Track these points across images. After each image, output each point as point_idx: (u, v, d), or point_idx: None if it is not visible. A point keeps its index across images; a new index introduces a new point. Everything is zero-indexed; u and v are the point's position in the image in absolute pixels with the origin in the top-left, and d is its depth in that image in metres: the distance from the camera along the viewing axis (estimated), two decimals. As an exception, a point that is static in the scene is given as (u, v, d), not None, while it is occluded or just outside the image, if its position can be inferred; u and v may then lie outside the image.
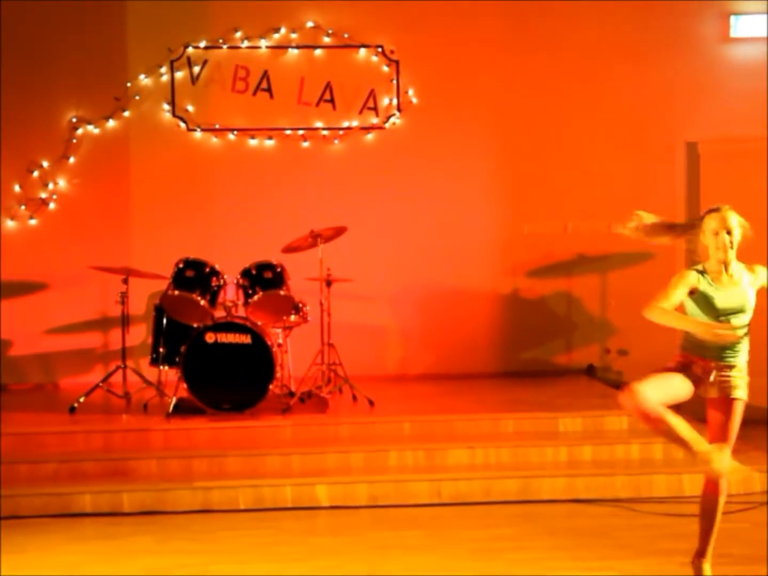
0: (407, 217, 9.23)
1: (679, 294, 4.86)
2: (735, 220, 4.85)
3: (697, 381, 4.86)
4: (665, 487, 6.77)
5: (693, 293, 4.84)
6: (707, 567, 4.94)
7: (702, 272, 4.87)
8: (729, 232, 4.82)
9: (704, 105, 9.26)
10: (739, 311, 4.79)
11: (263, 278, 7.76)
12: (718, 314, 4.79)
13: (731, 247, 4.81)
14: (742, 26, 9.18)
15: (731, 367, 4.85)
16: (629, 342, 9.14)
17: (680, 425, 4.77)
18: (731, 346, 4.81)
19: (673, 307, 4.85)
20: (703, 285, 4.83)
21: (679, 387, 4.86)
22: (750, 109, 9.21)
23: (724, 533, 5.81)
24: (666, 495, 6.71)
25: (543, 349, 9.36)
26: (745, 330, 4.84)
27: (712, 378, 4.84)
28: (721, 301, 4.80)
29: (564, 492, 6.74)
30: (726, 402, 4.87)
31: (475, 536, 6.03)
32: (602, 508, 6.57)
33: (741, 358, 4.87)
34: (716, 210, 4.89)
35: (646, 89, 9.23)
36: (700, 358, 4.85)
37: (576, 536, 6.00)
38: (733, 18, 9.17)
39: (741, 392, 4.87)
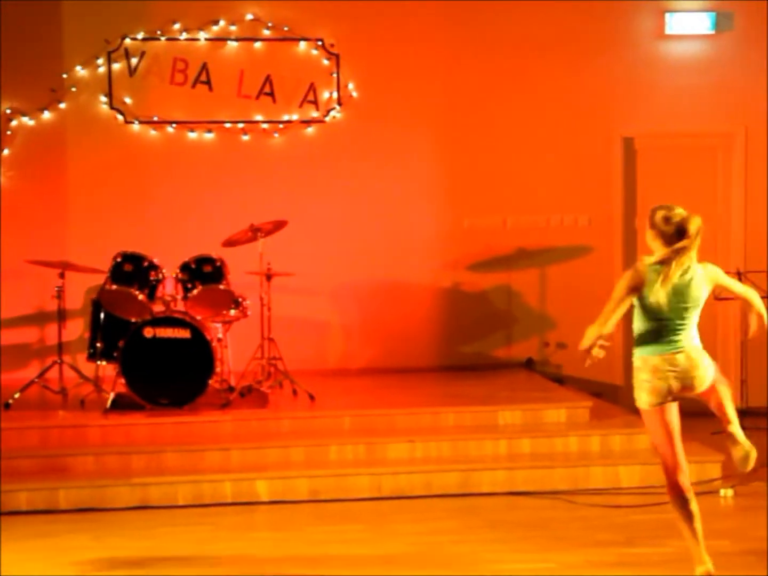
0: (348, 211, 9.23)
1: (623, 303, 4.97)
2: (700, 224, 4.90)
3: None
4: (602, 479, 6.84)
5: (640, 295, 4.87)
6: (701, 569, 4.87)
7: (648, 267, 4.89)
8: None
9: (640, 101, 9.37)
10: (684, 303, 4.83)
11: (202, 272, 7.71)
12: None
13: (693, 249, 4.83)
14: (677, 23, 9.29)
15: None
16: (568, 335, 9.21)
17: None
18: (685, 339, 4.82)
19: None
20: (650, 280, 4.84)
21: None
22: (685, 105, 9.35)
23: (661, 523, 5.91)
24: (603, 487, 6.78)
25: (483, 343, 9.41)
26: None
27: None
28: (664, 297, 4.83)
29: (503, 485, 6.79)
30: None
31: (416, 530, 6.05)
32: (541, 500, 6.62)
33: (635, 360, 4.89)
34: (667, 208, 4.99)
35: (583, 85, 9.32)
36: None
37: (515, 528, 6.04)
38: (668, 15, 9.28)
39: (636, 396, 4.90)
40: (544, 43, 9.26)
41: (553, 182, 9.35)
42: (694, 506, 4.81)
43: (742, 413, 8.61)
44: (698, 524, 4.81)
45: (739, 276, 8.42)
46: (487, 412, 7.49)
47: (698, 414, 8.45)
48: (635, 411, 7.90)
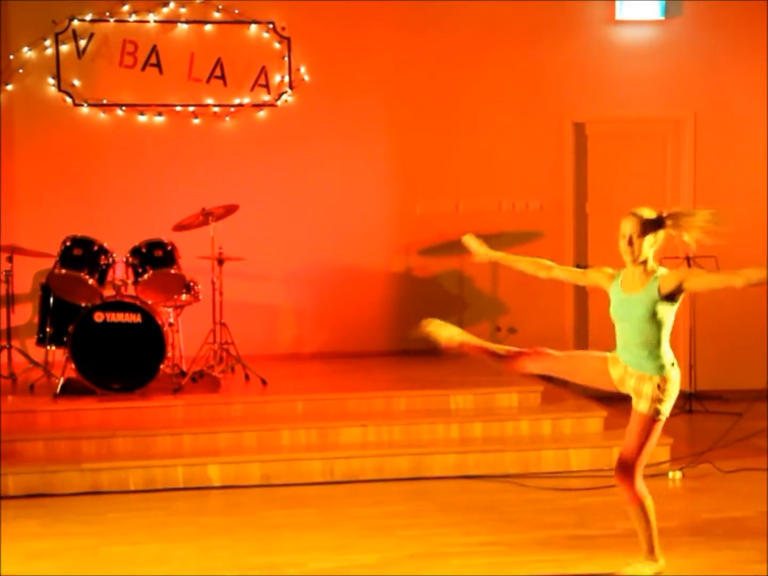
0: (300, 196, 9.20)
1: (569, 271, 5.03)
2: (634, 227, 4.62)
3: (621, 381, 4.77)
4: (553, 463, 6.91)
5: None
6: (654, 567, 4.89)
7: (616, 276, 4.79)
8: (630, 240, 4.63)
9: (591, 86, 9.42)
10: (629, 320, 4.68)
11: (153, 257, 7.66)
12: (619, 321, 4.74)
13: (630, 254, 4.63)
14: (627, 9, 9.35)
15: (646, 380, 4.67)
16: (519, 320, 9.29)
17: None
18: (642, 357, 4.66)
19: (551, 270, 4.99)
20: (613, 288, 4.77)
21: (586, 364, 4.92)
22: (636, 91, 9.42)
23: (611, 506, 5.98)
24: (554, 470, 6.85)
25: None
26: (651, 345, 4.66)
27: (632, 383, 4.71)
28: (615, 308, 4.75)
29: (455, 468, 6.83)
30: (635, 414, 4.73)
31: (368, 513, 6.07)
32: (492, 483, 6.67)
33: (660, 372, 4.67)
34: (630, 215, 4.68)
35: (534, 70, 9.35)
36: (622, 360, 4.76)
37: (466, 512, 6.08)
38: (618, 1, 9.33)
39: (652, 409, 4.67)
40: (496, 27, 9.28)
41: (504, 167, 9.38)
42: (649, 502, 4.84)
43: (690, 397, 8.78)
44: (653, 517, 4.84)
45: (688, 261, 8.52)
46: (438, 397, 7.52)
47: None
48: (585, 395, 8.04)
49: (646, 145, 9.54)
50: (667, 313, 4.67)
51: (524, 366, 5.00)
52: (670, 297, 4.64)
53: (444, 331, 5.11)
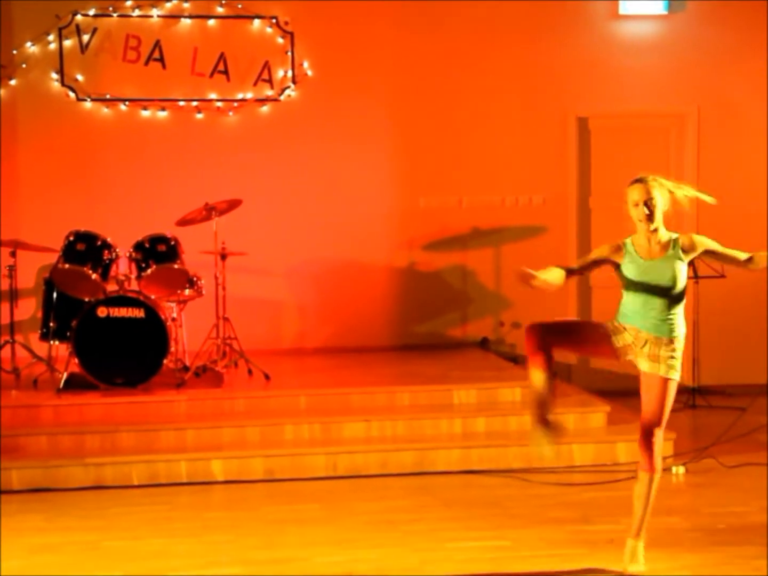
0: (303, 190, 9.19)
1: (587, 262, 4.94)
2: (655, 190, 4.75)
3: (626, 349, 4.82)
4: (556, 458, 6.87)
5: (618, 267, 4.82)
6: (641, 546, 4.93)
7: (624, 245, 4.81)
8: (647, 203, 4.72)
9: (595, 81, 9.41)
10: (661, 283, 4.73)
11: (157, 251, 7.65)
12: (640, 288, 4.76)
13: (651, 219, 4.72)
14: (630, 4, 9.33)
15: (663, 343, 4.76)
16: (522, 315, 9.25)
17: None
18: (663, 320, 4.75)
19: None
20: (627, 258, 4.78)
21: (586, 336, 4.88)
22: (639, 86, 9.40)
23: (614, 501, 5.99)
24: (557, 465, 6.83)
25: (438, 322, 9.44)
26: (674, 306, 4.76)
27: (646, 350, 4.78)
28: (635, 274, 4.77)
29: (458, 463, 6.83)
30: (655, 379, 4.79)
31: (371, 508, 6.07)
32: (495, 478, 6.67)
33: (675, 334, 4.77)
34: (637, 181, 4.80)
35: (538, 65, 9.33)
36: (634, 328, 4.78)
37: (470, 507, 6.08)
38: (621, -4, 9.34)
39: (673, 372, 4.79)
40: (499, 22, 9.26)
41: (508, 162, 9.37)
42: (658, 478, 4.91)
43: (694, 391, 8.77)
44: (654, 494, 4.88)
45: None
46: (442, 392, 7.52)
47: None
48: (589, 390, 8.05)
49: (649, 140, 9.52)
50: (685, 273, 4.80)
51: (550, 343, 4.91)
52: (687, 257, 4.79)
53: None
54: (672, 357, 4.79)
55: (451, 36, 9.25)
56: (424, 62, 9.25)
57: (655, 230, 4.76)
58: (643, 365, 4.83)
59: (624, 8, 9.35)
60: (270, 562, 5.20)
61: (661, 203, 4.76)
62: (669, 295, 4.75)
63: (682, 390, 8.72)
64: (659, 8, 9.37)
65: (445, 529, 5.66)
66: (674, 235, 4.81)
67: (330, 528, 5.72)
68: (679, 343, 4.82)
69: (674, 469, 6.71)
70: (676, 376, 4.83)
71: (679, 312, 4.80)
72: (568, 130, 9.44)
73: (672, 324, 4.78)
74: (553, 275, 4.70)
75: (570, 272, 4.84)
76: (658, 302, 4.76)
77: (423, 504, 6.17)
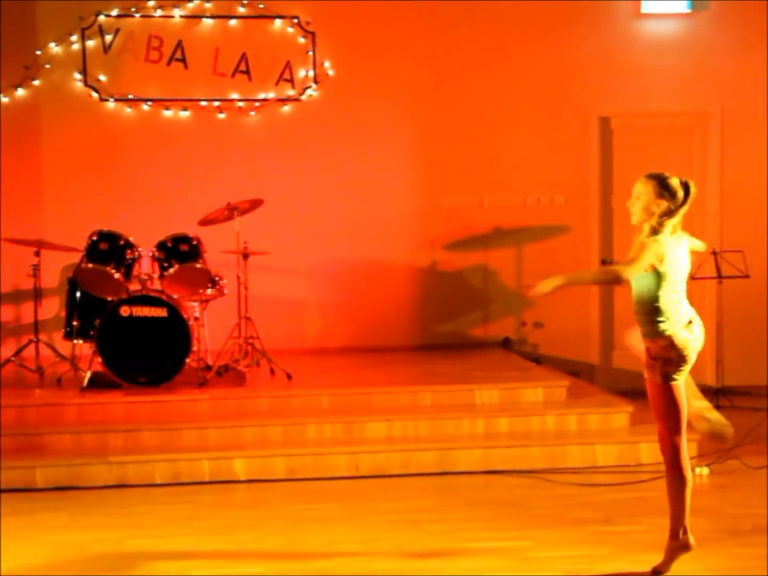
0: (325, 190, 9.20)
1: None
2: (638, 188, 4.75)
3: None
4: (579, 458, 6.88)
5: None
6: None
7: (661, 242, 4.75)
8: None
9: (617, 80, 9.38)
10: (634, 287, 4.76)
11: (179, 251, 7.68)
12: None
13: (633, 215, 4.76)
14: (653, 3, 9.30)
15: (656, 347, 4.74)
16: (544, 315, 9.26)
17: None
18: (645, 323, 4.73)
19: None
20: (666, 252, 4.73)
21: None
22: (661, 85, 9.37)
23: (637, 502, 5.97)
24: (580, 465, 6.82)
25: (460, 322, 9.43)
26: (647, 309, 4.72)
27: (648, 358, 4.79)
28: (679, 269, 4.79)
29: (480, 463, 6.81)
30: (651, 384, 4.81)
31: (393, 508, 6.07)
32: (518, 479, 6.66)
33: (659, 336, 4.71)
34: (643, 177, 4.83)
35: (560, 64, 9.31)
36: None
37: (492, 507, 6.07)
38: (644, -5, 9.30)
39: (646, 372, 4.81)
40: (521, 21, 9.25)
41: (530, 161, 9.35)
42: (689, 475, 4.91)
43: (717, 392, 8.73)
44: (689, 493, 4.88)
45: (715, 256, 8.47)
46: (464, 391, 7.51)
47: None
48: (612, 390, 8.03)
49: (672, 139, 9.49)
50: (657, 279, 4.68)
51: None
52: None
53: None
54: (656, 358, 4.73)
55: (473, 35, 9.23)
56: (446, 62, 9.25)
57: (640, 228, 4.74)
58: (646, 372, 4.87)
59: (646, 7, 9.32)
60: (292, 561, 5.21)
61: (641, 202, 4.72)
62: (643, 300, 4.73)
63: (705, 391, 8.69)
64: (682, 7, 9.33)
65: (467, 529, 5.65)
66: (641, 239, 4.72)
67: (352, 527, 5.72)
68: (667, 348, 4.70)
69: (698, 470, 6.67)
70: (665, 379, 4.73)
71: (655, 316, 4.70)
72: (590, 129, 9.41)
73: (653, 326, 4.72)
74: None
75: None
76: (636, 305, 4.78)
77: (445, 504, 6.16)
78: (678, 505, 4.85)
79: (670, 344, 4.72)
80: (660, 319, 4.71)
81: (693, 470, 6.58)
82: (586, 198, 9.43)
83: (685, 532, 4.88)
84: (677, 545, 4.88)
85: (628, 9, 9.35)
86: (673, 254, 4.71)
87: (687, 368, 4.80)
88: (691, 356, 4.79)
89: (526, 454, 6.86)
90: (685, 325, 4.76)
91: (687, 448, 4.90)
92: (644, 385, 4.88)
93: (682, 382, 4.79)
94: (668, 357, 4.73)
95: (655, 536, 5.11)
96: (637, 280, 4.71)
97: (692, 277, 7.86)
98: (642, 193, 4.76)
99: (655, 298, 4.70)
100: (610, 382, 8.75)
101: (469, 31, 9.23)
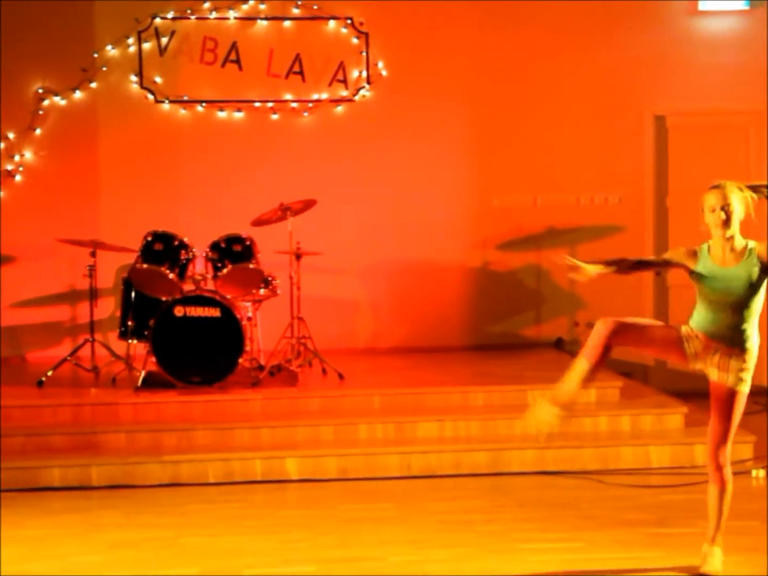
0: (377, 190, 9.21)
1: (659, 260, 4.91)
2: (733, 196, 4.64)
3: (697, 356, 4.72)
4: (632, 459, 6.82)
5: (691, 273, 4.72)
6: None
7: (700, 251, 4.72)
8: (724, 209, 4.61)
9: (672, 78, 9.28)
10: (726, 294, 4.63)
11: (232, 251, 7.73)
12: (712, 296, 4.67)
13: (727, 225, 4.61)
14: (710, 1, 9.20)
15: (734, 354, 4.67)
16: (597, 315, 9.04)
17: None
18: (734, 330, 4.65)
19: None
20: (701, 264, 4.69)
21: (658, 339, 4.78)
22: (718, 83, 9.26)
23: (692, 504, 5.89)
24: (633, 467, 6.76)
25: (512, 322, 9.39)
26: (746, 317, 4.65)
27: (716, 359, 4.69)
28: (708, 282, 4.68)
29: (533, 464, 6.78)
30: (722, 390, 4.72)
31: (445, 508, 6.06)
32: (570, 479, 6.62)
33: (747, 345, 4.67)
34: (715, 187, 4.69)
35: (614, 63, 9.24)
36: (704, 335, 4.69)
37: (544, 508, 6.04)
38: (701, -8, 9.20)
39: (742, 384, 4.70)
40: (576, 20, 9.19)
41: (583, 160, 9.29)
42: (731, 488, 4.84)
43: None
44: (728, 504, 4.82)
45: None
46: (516, 392, 7.46)
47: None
48: (665, 391, 7.94)
49: (728, 138, 9.37)
50: (764, 284, 4.67)
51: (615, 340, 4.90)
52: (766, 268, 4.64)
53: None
54: (742, 369, 4.70)
55: (527, 34, 9.20)
56: (499, 61, 9.22)
57: (731, 237, 4.65)
58: (713, 374, 4.75)
59: (703, 5, 9.21)
60: (344, 561, 5.21)
61: (738, 210, 4.65)
62: (741, 306, 4.64)
63: (761, 392, 8.57)
64: (740, 4, 9.22)
65: (519, 530, 5.63)
66: (751, 244, 4.67)
67: (404, 528, 5.72)
68: (751, 355, 4.71)
69: (754, 472, 6.59)
70: (745, 388, 4.73)
71: (752, 323, 4.69)
72: (645, 127, 9.33)
73: (744, 335, 4.67)
74: (591, 268, 4.72)
75: (619, 265, 4.81)
76: (729, 312, 4.66)
77: (497, 504, 6.14)
78: (720, 512, 4.83)
79: (750, 353, 4.71)
80: (751, 329, 4.69)
81: (749, 473, 6.55)
82: (641, 197, 9.35)
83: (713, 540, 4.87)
84: (718, 552, 4.84)
85: (685, 6, 9.26)
86: None
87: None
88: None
89: (579, 454, 6.81)
90: (758, 334, 4.75)
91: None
92: (699, 386, 4.82)
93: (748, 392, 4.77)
94: (747, 365, 4.71)
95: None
96: (752, 276, 4.62)
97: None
98: (741, 198, 4.69)
99: (758, 306, 4.68)
100: (665, 383, 8.66)
101: (522, 30, 9.19)
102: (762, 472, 6.58)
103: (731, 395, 4.72)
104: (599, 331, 4.71)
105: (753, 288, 4.64)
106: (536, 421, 4.86)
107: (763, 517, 5.73)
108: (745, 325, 4.67)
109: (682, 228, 8.84)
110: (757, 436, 6.86)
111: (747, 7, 9.22)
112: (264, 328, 8.23)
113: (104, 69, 8.99)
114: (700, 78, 9.27)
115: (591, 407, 7.36)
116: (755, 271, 4.62)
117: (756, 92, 9.27)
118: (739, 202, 4.68)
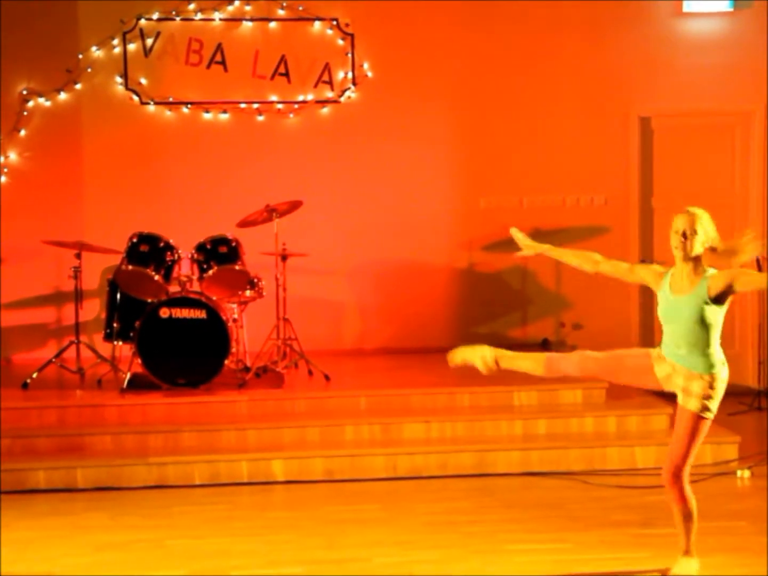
0: (363, 192, 9.21)
1: (616, 266, 4.93)
2: (700, 223, 4.60)
3: (668, 378, 4.74)
4: (618, 460, 6.85)
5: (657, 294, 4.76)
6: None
7: (665, 275, 4.73)
8: (685, 235, 4.60)
9: (658, 80, 9.30)
10: (677, 322, 4.64)
11: (218, 253, 7.72)
12: (667, 321, 4.69)
13: (683, 250, 4.59)
14: (694, 1, 9.21)
15: (695, 378, 4.63)
16: (584, 316, 9.21)
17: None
18: (694, 356, 4.61)
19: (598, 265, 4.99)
20: (662, 289, 4.72)
21: (629, 370, 4.86)
22: (703, 84, 9.27)
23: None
24: (619, 467, 6.79)
25: (498, 323, 9.40)
26: (701, 345, 4.61)
27: (680, 382, 4.67)
28: (663, 309, 4.71)
29: (519, 465, 6.80)
30: (685, 413, 4.69)
31: (431, 509, 6.07)
32: (556, 480, 6.63)
33: (712, 371, 4.62)
34: (686, 211, 4.67)
35: (600, 64, 9.25)
36: (669, 358, 4.72)
37: (530, 509, 6.05)
38: (685, -6, 9.22)
39: (706, 412, 4.64)
40: (560, 21, 9.19)
41: (569, 162, 9.30)
42: (694, 503, 4.83)
43: (759, 394, 8.64)
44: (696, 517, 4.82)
45: (758, 262, 8.34)
46: (502, 393, 7.49)
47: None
48: (651, 392, 7.95)
49: (713, 139, 9.40)
50: (716, 315, 4.61)
51: (565, 370, 5.00)
52: (719, 299, 4.59)
53: (476, 355, 5.03)
54: (705, 395, 4.63)
55: (513, 35, 9.20)
56: (485, 62, 9.22)
57: (690, 263, 4.61)
58: (678, 397, 4.73)
59: (688, 6, 9.23)
60: (330, 562, 5.22)
61: (701, 239, 4.60)
62: (695, 334, 4.60)
63: (747, 392, 8.62)
64: (724, 5, 9.23)
65: (505, 530, 5.64)
66: (709, 272, 4.61)
67: (390, 529, 5.72)
68: (717, 381, 4.64)
69: (739, 472, 6.62)
70: (708, 414, 4.66)
71: (713, 350, 4.62)
72: (630, 129, 9.34)
73: (706, 361, 4.63)
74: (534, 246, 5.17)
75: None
76: (686, 338, 4.63)
77: (483, 505, 6.15)
78: (689, 528, 4.82)
79: (715, 380, 4.65)
80: (714, 356, 4.63)
81: (734, 473, 6.57)
82: (626, 199, 9.36)
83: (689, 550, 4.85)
84: (691, 564, 4.84)
85: (670, 8, 9.26)
86: None
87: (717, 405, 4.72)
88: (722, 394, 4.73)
89: (565, 455, 6.83)
90: (723, 362, 4.70)
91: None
92: (662, 389, 4.83)
93: (711, 419, 4.72)
94: (719, 392, 4.66)
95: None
96: (699, 308, 4.58)
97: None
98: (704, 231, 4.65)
99: (712, 333, 4.62)
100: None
101: (508, 31, 9.19)
102: (747, 473, 6.61)
103: (692, 419, 4.66)
104: (572, 363, 4.88)
105: (701, 318, 4.58)
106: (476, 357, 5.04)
107: (749, 518, 5.76)
108: (708, 351, 4.62)
109: (667, 229, 8.83)
110: (741, 436, 6.88)
111: (731, 9, 9.24)
112: (250, 330, 8.22)
113: (89, 70, 8.96)
114: (685, 79, 9.29)
115: (577, 408, 7.38)
116: (702, 302, 4.57)
117: (741, 93, 9.30)
118: (707, 230, 4.63)
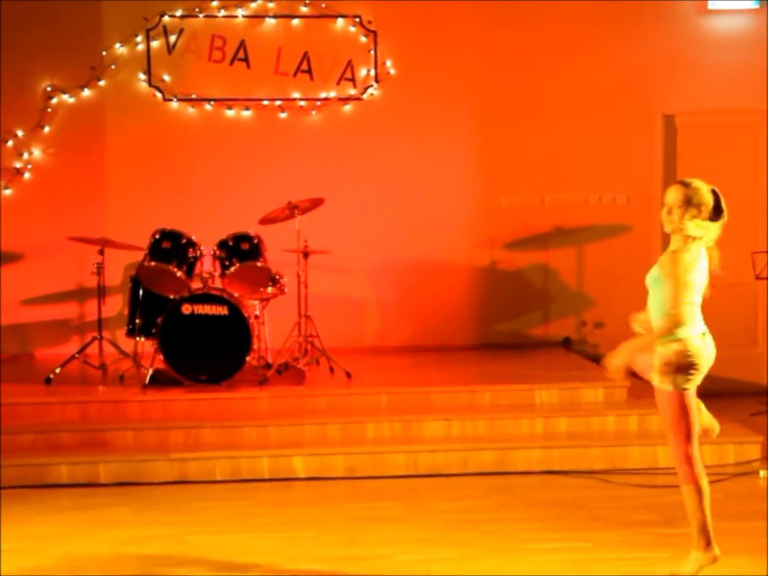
0: (385, 189, 9.21)
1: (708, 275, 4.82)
2: (683, 199, 4.67)
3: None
4: (639, 459, 6.82)
5: None
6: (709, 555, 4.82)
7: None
8: (668, 204, 4.70)
9: (682, 77, 9.26)
10: (650, 293, 4.73)
11: (240, 249, 7.73)
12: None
13: (669, 223, 4.68)
14: (720, -1, 9.20)
15: (667, 351, 4.64)
16: (605, 315, 9.18)
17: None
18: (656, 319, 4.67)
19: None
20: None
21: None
22: (728, 82, 9.22)
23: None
24: (640, 466, 6.76)
25: (519, 322, 9.38)
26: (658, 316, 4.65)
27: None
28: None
29: (539, 463, 6.78)
30: (657, 393, 4.75)
31: (452, 507, 6.07)
32: (577, 479, 6.62)
33: (672, 340, 4.61)
34: (674, 185, 4.79)
35: (623, 61, 9.22)
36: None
37: (551, 507, 6.04)
38: (710, -9, 9.18)
39: (655, 378, 4.70)
40: (583, 18, 9.16)
41: (591, 160, 9.28)
42: (705, 483, 4.76)
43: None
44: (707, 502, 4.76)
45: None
46: (523, 391, 7.48)
47: (736, 394, 8.45)
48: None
49: (737, 137, 9.34)
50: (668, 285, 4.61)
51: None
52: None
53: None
54: (663, 365, 4.63)
55: (535, 33, 9.18)
56: (507, 60, 9.20)
57: (676, 234, 4.67)
58: (653, 380, 4.77)
59: (713, 4, 9.19)
60: (350, 559, 5.22)
61: (692, 212, 4.66)
62: (656, 304, 4.68)
63: (759, 391, 8.55)
64: (750, 3, 9.19)
65: (525, 529, 5.63)
66: (671, 248, 4.66)
67: (410, 526, 5.72)
68: (679, 352, 4.61)
69: (762, 472, 6.58)
70: (673, 386, 4.64)
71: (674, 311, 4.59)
72: (654, 127, 9.31)
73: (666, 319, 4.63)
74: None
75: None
76: (654, 310, 4.72)
77: (503, 504, 6.14)
78: (699, 518, 4.74)
79: (684, 349, 4.62)
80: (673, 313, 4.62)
81: (757, 473, 6.53)
82: (649, 197, 9.32)
83: (709, 544, 4.75)
84: (704, 559, 4.77)
85: (694, 5, 9.22)
86: (699, 265, 4.64)
87: (698, 378, 4.68)
88: (703, 366, 4.68)
89: (586, 454, 6.81)
90: (699, 335, 4.67)
91: (700, 458, 4.78)
92: (705, 386, 4.80)
93: (693, 391, 4.70)
94: (681, 363, 4.62)
95: (716, 539, 5.04)
96: (657, 286, 4.66)
97: (757, 277, 7.75)
98: (673, 201, 4.70)
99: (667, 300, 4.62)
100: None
101: (531, 29, 9.17)
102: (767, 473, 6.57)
103: (660, 395, 4.71)
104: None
105: (657, 281, 4.66)
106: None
107: (769, 518, 5.73)
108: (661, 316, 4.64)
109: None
110: (764, 436, 6.85)
111: (757, 6, 9.19)
112: (271, 327, 8.24)
113: (113, 67, 8.99)
114: (709, 77, 9.24)
115: (599, 406, 7.36)
116: (654, 273, 4.66)
117: (766, 91, 9.24)
118: (699, 203, 4.67)
